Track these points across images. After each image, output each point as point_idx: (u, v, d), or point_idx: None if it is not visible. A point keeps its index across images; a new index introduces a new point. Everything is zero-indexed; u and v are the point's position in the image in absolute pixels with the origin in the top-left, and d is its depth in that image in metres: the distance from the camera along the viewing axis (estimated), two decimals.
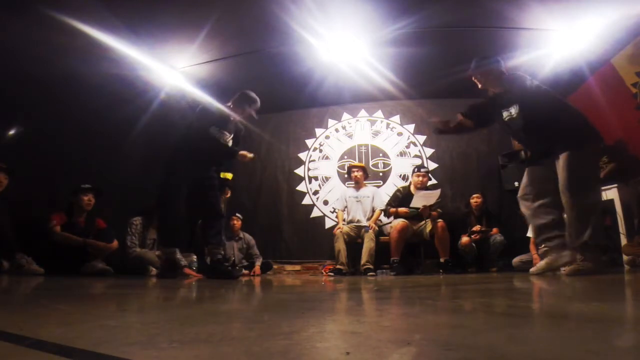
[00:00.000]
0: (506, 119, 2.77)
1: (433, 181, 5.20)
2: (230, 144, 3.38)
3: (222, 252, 3.27)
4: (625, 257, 3.00)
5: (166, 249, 3.24)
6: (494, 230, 4.29)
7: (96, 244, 3.54)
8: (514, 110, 2.68)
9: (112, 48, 3.93)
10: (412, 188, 4.52)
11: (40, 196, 3.93)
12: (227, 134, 3.33)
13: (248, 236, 4.65)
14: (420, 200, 4.22)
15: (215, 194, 3.40)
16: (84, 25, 3.58)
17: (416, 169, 4.59)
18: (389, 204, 4.52)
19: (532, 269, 2.73)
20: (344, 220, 4.65)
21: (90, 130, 4.45)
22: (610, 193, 3.32)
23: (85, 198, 3.65)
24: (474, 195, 4.53)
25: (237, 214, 4.71)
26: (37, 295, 1.72)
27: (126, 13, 3.59)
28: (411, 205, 4.24)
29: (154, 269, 3.72)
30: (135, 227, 3.89)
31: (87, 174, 4.03)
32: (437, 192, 4.34)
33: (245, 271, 4.34)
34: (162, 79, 4.73)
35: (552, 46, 4.06)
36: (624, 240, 3.11)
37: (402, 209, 4.32)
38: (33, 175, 3.93)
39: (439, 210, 4.35)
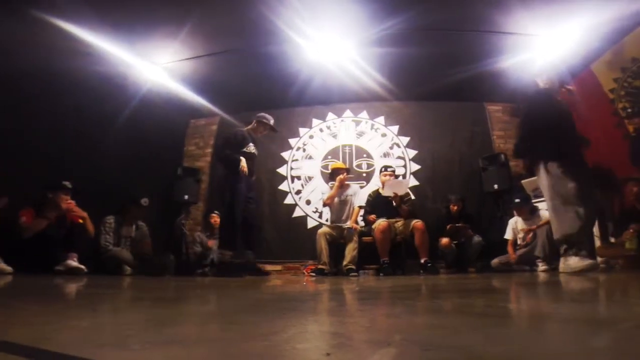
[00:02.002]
0: None
1: (415, 182, 5.26)
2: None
3: None
4: (599, 259, 3.09)
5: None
6: (469, 232, 4.35)
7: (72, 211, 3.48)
8: None
9: (89, 43, 3.83)
10: (380, 189, 4.57)
11: (10, 194, 3.77)
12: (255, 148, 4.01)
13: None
14: (389, 189, 4.28)
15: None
16: (62, 21, 3.49)
17: (383, 169, 4.65)
18: (366, 211, 4.53)
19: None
20: (326, 220, 4.64)
21: (67, 127, 4.30)
22: None
23: (64, 196, 3.52)
24: (452, 203, 4.57)
25: (216, 211, 4.65)
26: (5, 294, 1.65)
27: (105, 7, 3.51)
28: (383, 194, 4.31)
29: (129, 268, 3.64)
30: (109, 226, 3.80)
31: (62, 171, 3.89)
32: (407, 180, 4.40)
33: None
34: (144, 75, 4.63)
35: (536, 51, 4.16)
36: (598, 243, 3.21)
37: (373, 217, 4.35)
38: (3, 173, 3.76)
39: (410, 205, 4.41)
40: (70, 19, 3.53)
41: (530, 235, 3.89)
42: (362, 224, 4.53)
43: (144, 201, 4.00)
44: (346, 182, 4.75)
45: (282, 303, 1.27)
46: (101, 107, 4.51)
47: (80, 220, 3.57)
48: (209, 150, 5.82)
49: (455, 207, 4.53)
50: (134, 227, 4.02)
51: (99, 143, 4.48)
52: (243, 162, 3.69)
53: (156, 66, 4.58)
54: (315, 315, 0.94)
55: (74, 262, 3.26)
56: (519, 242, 4.05)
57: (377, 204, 4.46)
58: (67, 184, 3.56)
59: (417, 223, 4.12)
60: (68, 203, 3.49)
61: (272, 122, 4.11)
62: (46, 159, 4.02)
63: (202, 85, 5.12)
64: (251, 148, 3.87)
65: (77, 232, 3.49)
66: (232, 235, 3.67)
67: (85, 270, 3.29)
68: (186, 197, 5.08)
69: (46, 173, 3.82)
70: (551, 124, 2.84)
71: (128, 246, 3.91)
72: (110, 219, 3.86)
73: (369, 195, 4.66)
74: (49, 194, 3.50)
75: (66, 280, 2.42)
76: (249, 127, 4.08)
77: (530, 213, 3.97)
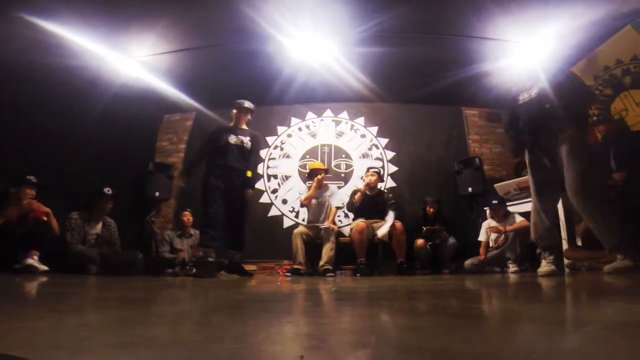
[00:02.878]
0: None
1: (392, 184, 5.31)
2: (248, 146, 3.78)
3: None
4: (566, 261, 3.20)
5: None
6: (444, 234, 4.42)
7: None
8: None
9: (59, 35, 3.68)
10: (363, 187, 4.55)
11: None
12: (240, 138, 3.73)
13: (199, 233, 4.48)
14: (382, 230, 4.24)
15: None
16: (29, 14, 3.36)
17: (369, 169, 4.68)
18: (350, 203, 4.53)
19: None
20: (303, 220, 4.60)
21: (35, 122, 4.10)
22: None
23: (28, 191, 3.33)
24: (428, 205, 4.65)
25: (188, 209, 4.53)
26: None
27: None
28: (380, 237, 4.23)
29: (94, 267, 3.49)
30: (75, 222, 3.63)
31: (29, 166, 3.69)
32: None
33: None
34: (118, 68, 4.46)
35: (513, 58, 4.27)
36: (565, 245, 3.32)
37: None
38: None
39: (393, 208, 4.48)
40: (39, 10, 3.38)
41: (502, 237, 4.00)
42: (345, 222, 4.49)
43: (107, 190, 3.82)
44: (324, 183, 4.75)
45: (256, 304, 1.23)
46: (72, 101, 4.32)
47: (45, 218, 3.38)
48: (183, 146, 5.68)
49: (432, 209, 4.61)
50: (100, 223, 3.86)
51: (69, 137, 4.29)
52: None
53: (131, 59, 4.43)
54: (289, 316, 0.91)
55: (34, 261, 3.09)
56: (491, 244, 4.15)
57: (360, 202, 4.46)
58: (32, 178, 3.37)
59: (396, 224, 4.16)
60: (29, 198, 3.30)
61: (246, 104, 3.85)
62: (13, 153, 3.82)
63: (179, 80, 5.00)
64: (223, 140, 3.67)
65: (39, 229, 3.29)
66: (206, 233, 3.52)
67: (47, 269, 3.12)
68: (157, 193, 4.93)
69: (11, 168, 3.61)
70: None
71: (94, 244, 3.75)
72: (75, 215, 3.69)
73: (357, 189, 4.64)
74: (12, 189, 3.31)
75: (24, 280, 2.28)
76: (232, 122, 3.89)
77: (503, 216, 4.07)
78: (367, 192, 4.47)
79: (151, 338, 0.63)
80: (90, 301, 1.31)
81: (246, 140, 3.76)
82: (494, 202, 4.10)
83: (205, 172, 3.66)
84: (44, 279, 2.53)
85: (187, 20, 3.94)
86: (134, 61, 4.46)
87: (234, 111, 3.87)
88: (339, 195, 4.77)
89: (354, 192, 4.55)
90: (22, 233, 3.18)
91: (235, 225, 3.64)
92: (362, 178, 5.05)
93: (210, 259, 3.53)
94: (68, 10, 3.48)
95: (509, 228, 3.89)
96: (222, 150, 3.64)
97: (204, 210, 3.54)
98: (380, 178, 4.72)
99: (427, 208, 4.64)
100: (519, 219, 3.91)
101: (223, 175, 3.60)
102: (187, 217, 4.48)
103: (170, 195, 5.23)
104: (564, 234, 3.41)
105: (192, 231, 4.49)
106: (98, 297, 1.46)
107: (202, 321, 0.85)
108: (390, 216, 4.23)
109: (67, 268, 3.40)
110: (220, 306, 1.18)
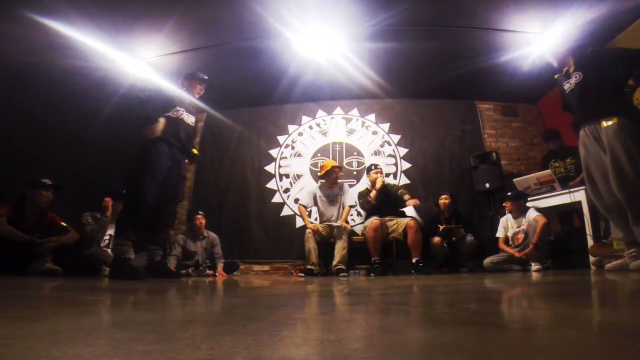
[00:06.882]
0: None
1: (406, 181, 5.18)
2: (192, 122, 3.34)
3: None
4: (592, 258, 3.04)
5: (117, 240, 2.81)
6: (462, 231, 4.26)
7: (45, 242, 3.20)
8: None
9: (68, 36, 3.68)
10: (376, 185, 4.47)
11: None
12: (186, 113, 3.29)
13: (213, 235, 4.42)
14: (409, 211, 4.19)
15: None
16: (39, 15, 3.38)
17: (373, 167, 4.60)
18: (366, 201, 4.43)
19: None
20: (315, 219, 4.52)
21: (46, 123, 4.12)
22: (578, 195, 3.37)
23: (45, 194, 3.32)
24: (442, 196, 4.52)
25: (200, 212, 4.44)
26: None
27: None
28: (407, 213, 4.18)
29: (107, 269, 3.47)
30: (89, 222, 3.65)
31: (40, 167, 3.70)
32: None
33: (209, 271, 4.15)
34: (127, 69, 4.45)
35: (530, 48, 4.14)
36: (590, 242, 3.16)
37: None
38: None
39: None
40: (47, 11, 3.38)
41: (522, 235, 3.83)
42: (358, 220, 4.40)
43: (115, 186, 3.77)
44: (337, 181, 4.66)
45: (249, 310, 1.05)
46: (82, 103, 4.33)
47: (63, 223, 3.41)
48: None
49: (445, 202, 4.45)
50: (114, 224, 3.85)
51: (80, 139, 4.30)
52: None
53: (140, 61, 4.41)
54: (284, 329, 0.72)
55: (47, 263, 3.08)
56: (509, 242, 3.98)
57: (368, 200, 4.37)
58: (47, 180, 3.38)
59: (410, 221, 4.05)
60: (47, 201, 3.30)
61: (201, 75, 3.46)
62: (25, 155, 3.84)
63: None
64: (180, 113, 3.19)
65: (53, 232, 3.31)
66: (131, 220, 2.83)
67: (60, 271, 3.11)
68: None
69: (22, 170, 3.63)
70: None
71: (107, 245, 3.74)
72: (87, 215, 3.71)
73: (366, 189, 4.56)
74: (28, 192, 3.30)
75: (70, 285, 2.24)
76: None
77: (520, 210, 3.89)
78: (377, 189, 4.37)
79: (89, 357, 0.53)
80: (40, 305, 1.21)
81: (188, 116, 3.37)
82: (509, 193, 3.98)
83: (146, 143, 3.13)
84: (66, 282, 2.49)
85: (194, 19, 3.91)
86: (142, 62, 4.44)
87: (189, 82, 3.49)
88: (351, 194, 4.67)
89: (366, 193, 4.46)
90: (37, 236, 3.18)
91: (161, 212, 3.12)
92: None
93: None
94: (76, 12, 3.48)
95: (535, 239, 3.68)
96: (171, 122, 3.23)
97: (139, 191, 2.96)
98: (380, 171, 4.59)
99: (440, 201, 4.51)
100: (534, 214, 3.74)
101: (168, 149, 3.15)
102: (200, 220, 4.40)
103: (182, 197, 5.19)
104: (588, 230, 3.25)
105: (205, 233, 4.41)
106: (61, 301, 1.34)
107: (167, 334, 0.75)
108: (410, 210, 4.13)
109: (77, 269, 3.37)
110: (203, 313, 1.04)
